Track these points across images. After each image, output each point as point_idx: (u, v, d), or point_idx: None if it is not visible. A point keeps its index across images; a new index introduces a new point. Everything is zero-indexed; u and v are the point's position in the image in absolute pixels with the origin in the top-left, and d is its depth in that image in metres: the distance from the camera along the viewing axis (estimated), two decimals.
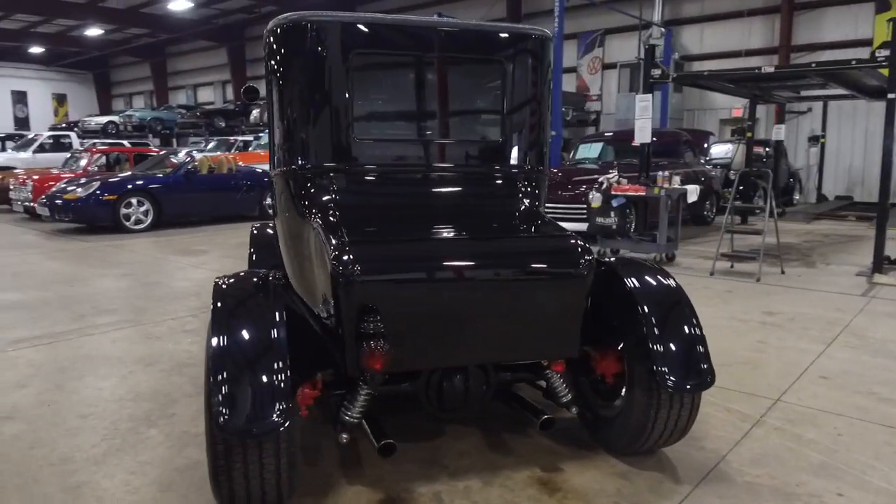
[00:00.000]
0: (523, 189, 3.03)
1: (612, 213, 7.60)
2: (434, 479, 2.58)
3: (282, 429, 2.02)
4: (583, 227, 8.16)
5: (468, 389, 2.57)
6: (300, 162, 2.79)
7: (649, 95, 7.93)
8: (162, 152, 12.60)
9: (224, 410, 1.98)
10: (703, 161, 11.12)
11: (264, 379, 2.05)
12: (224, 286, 2.32)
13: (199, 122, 23.97)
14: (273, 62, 2.82)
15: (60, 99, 34.35)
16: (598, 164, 10.23)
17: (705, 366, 2.43)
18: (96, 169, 12.33)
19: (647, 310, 2.51)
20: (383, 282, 2.25)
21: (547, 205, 9.21)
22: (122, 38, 29.35)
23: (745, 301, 5.57)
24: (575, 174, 9.52)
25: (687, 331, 2.50)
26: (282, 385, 2.05)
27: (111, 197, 9.72)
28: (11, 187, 11.77)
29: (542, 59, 3.08)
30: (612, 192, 7.64)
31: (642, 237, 7.63)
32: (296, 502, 2.39)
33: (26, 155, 15.33)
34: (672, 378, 2.38)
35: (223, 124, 23.52)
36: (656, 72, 7.97)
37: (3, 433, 2.98)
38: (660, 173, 7.67)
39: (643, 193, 7.47)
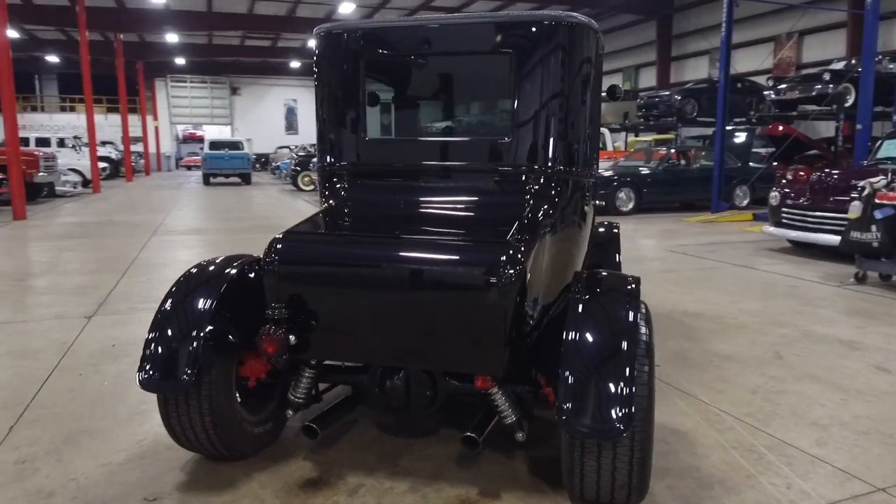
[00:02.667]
0: (534, 190, 2.80)
1: (874, 227, 6.04)
2: (373, 473, 2.63)
3: (179, 389, 2.35)
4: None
5: (410, 391, 2.56)
6: (327, 159, 3.07)
7: None
8: None
9: (145, 366, 2.39)
10: None
11: (175, 345, 2.40)
12: (194, 267, 2.73)
13: None
14: (312, 68, 3.14)
15: None
16: None
17: (621, 413, 2.00)
18: None
19: (572, 335, 2.16)
20: (291, 273, 2.40)
21: (813, 213, 7.85)
22: None
23: None
24: (856, 177, 7.72)
25: (612, 368, 2.07)
26: (191, 353, 2.37)
27: None
28: None
29: (573, 48, 2.81)
30: (877, 201, 6.06)
31: None
32: (250, 463, 2.70)
33: None
34: (569, 415, 2.02)
35: None
36: None
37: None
38: None
39: None
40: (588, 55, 2.91)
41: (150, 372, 2.37)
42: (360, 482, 2.56)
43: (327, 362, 2.70)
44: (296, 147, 32.55)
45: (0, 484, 2.55)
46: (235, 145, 23.26)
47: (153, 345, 2.43)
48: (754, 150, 16.16)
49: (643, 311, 2.32)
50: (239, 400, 2.68)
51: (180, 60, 32.88)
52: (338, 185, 3.04)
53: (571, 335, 2.16)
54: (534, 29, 2.77)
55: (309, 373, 2.64)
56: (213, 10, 24.95)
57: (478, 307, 2.24)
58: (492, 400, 2.46)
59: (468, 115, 3.07)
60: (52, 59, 31.80)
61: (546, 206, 2.79)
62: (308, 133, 37.74)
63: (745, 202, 13.63)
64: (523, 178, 2.82)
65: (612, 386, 2.04)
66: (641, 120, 18.83)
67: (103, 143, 28.75)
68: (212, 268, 2.69)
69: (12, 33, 25.61)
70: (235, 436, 2.60)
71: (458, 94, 3.12)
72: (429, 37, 2.89)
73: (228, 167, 23.02)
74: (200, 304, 2.51)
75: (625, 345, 2.12)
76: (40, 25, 25.29)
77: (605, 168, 14.07)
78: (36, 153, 15.33)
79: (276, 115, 38.72)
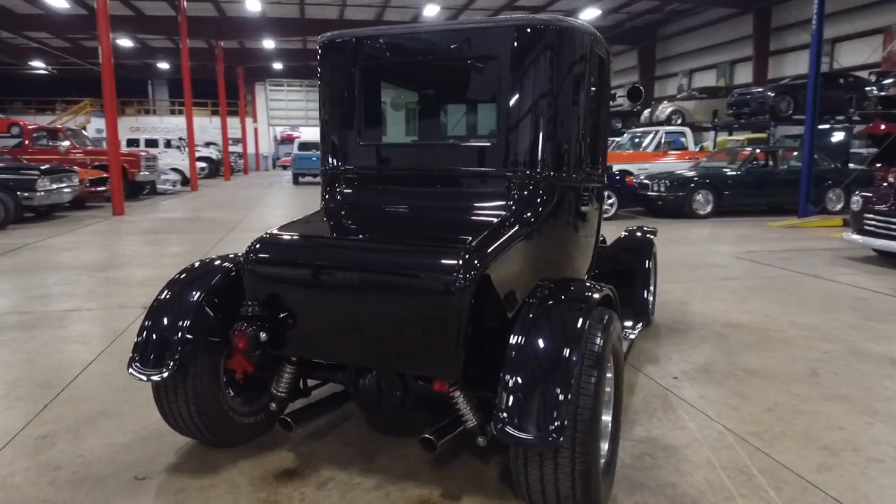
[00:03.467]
0: (517, 194, 2.79)
1: None
2: (346, 468, 2.71)
3: (162, 378, 2.52)
4: None
5: (381, 391, 2.62)
6: (328, 162, 3.19)
7: None
8: None
9: (135, 356, 2.59)
10: None
11: (161, 337, 2.57)
12: (195, 263, 2.91)
13: None
14: (317, 73, 3.27)
15: None
16: None
17: (555, 423, 1.97)
18: None
19: (516, 342, 2.14)
20: (264, 272, 2.52)
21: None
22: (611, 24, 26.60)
23: None
24: None
25: (552, 377, 2.04)
26: (175, 345, 2.54)
27: None
28: None
29: (560, 52, 2.78)
30: None
31: None
32: (238, 451, 2.85)
33: None
34: (503, 423, 2.01)
35: (619, 125, 23.92)
36: None
37: None
38: None
39: None
40: (579, 58, 2.86)
41: (138, 361, 2.57)
42: (332, 476, 2.65)
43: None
44: None
45: (19, 455, 2.84)
46: None
47: (143, 335, 2.62)
48: (855, 150, 15.03)
49: (603, 320, 2.27)
50: (232, 392, 2.86)
51: (278, 65, 34.47)
52: (336, 188, 3.15)
53: (515, 341, 2.15)
54: (519, 33, 2.75)
55: (290, 368, 2.75)
56: (305, 17, 26.02)
57: (432, 311, 2.26)
58: (453, 403, 2.47)
59: (458, 119, 3.09)
60: (163, 65, 34.22)
61: (528, 211, 2.77)
62: None
63: (839, 206, 12.69)
64: (508, 183, 2.81)
65: (548, 395, 2.01)
66: (732, 118, 17.91)
67: (207, 144, 30.70)
68: (205, 265, 2.86)
69: (127, 42, 27.79)
70: (221, 424, 2.76)
71: (448, 99, 3.15)
72: (419, 43, 2.94)
73: (316, 167, 23.91)
74: (188, 299, 2.68)
75: (568, 353, 2.08)
76: (151, 35, 27.25)
77: (685, 169, 13.54)
78: (138, 154, 16.57)
79: None
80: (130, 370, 2.57)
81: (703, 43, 25.59)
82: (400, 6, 24.59)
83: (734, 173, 12.65)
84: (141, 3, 23.63)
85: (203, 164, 26.05)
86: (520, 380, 2.07)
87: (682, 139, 16.19)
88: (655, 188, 12.32)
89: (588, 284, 2.44)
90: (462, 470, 2.69)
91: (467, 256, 2.27)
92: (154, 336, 2.60)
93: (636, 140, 16.18)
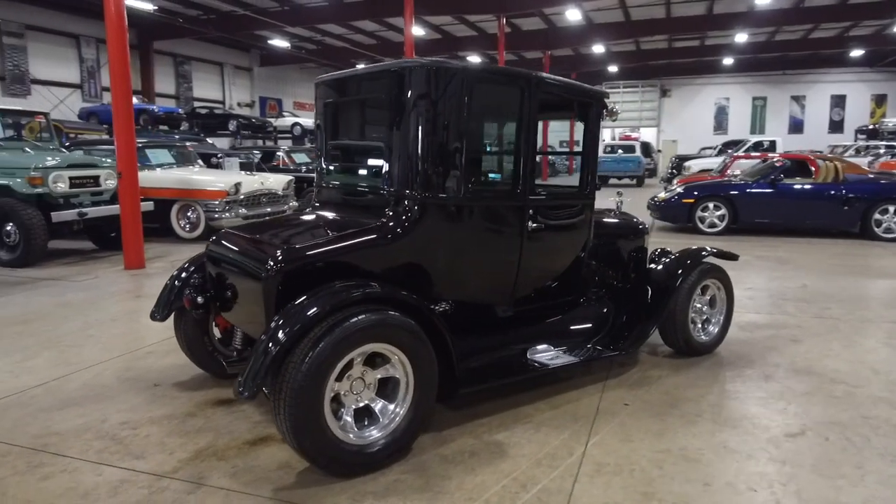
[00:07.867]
0: (392, 209, 3.31)
1: None
2: (261, 406, 3.64)
3: (161, 320, 3.81)
4: None
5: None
6: (317, 177, 4.14)
7: None
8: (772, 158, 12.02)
9: (154, 307, 3.94)
10: None
11: (166, 296, 3.86)
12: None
13: None
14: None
15: (879, 100, 33.47)
16: None
17: (251, 384, 2.64)
18: (735, 172, 13.11)
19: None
20: (209, 255, 3.61)
21: None
22: None
23: None
24: None
25: (268, 347, 2.66)
26: (171, 301, 3.82)
27: (689, 200, 10.72)
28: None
29: (429, 88, 3.23)
30: None
31: None
32: (222, 382, 4.01)
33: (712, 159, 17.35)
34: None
35: None
36: None
37: None
38: None
39: None
40: (449, 94, 3.20)
41: (154, 309, 3.92)
42: (245, 409, 3.62)
43: None
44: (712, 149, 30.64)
45: (123, 360, 4.50)
46: (630, 148, 24.08)
47: (159, 296, 3.96)
48: None
49: (358, 316, 2.75)
50: (228, 343, 4.03)
51: (613, 68, 35.08)
52: (312, 198, 4.06)
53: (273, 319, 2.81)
54: (396, 74, 3.28)
55: (242, 329, 3.79)
56: (631, 20, 26.10)
57: (255, 292, 3.06)
58: None
59: (371, 145, 3.68)
60: None
61: (396, 223, 3.25)
62: (736, 132, 35.51)
63: None
64: (386, 200, 3.35)
65: (258, 361, 2.66)
66: None
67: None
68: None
69: (475, 58, 31.61)
70: (206, 360, 3.97)
71: (363, 128, 3.79)
72: (345, 84, 3.67)
73: (621, 169, 24.04)
74: (185, 273, 3.93)
75: (286, 332, 2.67)
76: (495, 50, 30.61)
77: None
78: None
79: (706, 115, 37.59)
80: (149, 316, 3.95)
81: None
82: None
83: None
84: (482, 24, 26.85)
85: None
86: (257, 345, 2.74)
87: None
88: None
89: (363, 286, 2.90)
90: None
91: (280, 255, 2.99)
92: (163, 296, 3.93)
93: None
